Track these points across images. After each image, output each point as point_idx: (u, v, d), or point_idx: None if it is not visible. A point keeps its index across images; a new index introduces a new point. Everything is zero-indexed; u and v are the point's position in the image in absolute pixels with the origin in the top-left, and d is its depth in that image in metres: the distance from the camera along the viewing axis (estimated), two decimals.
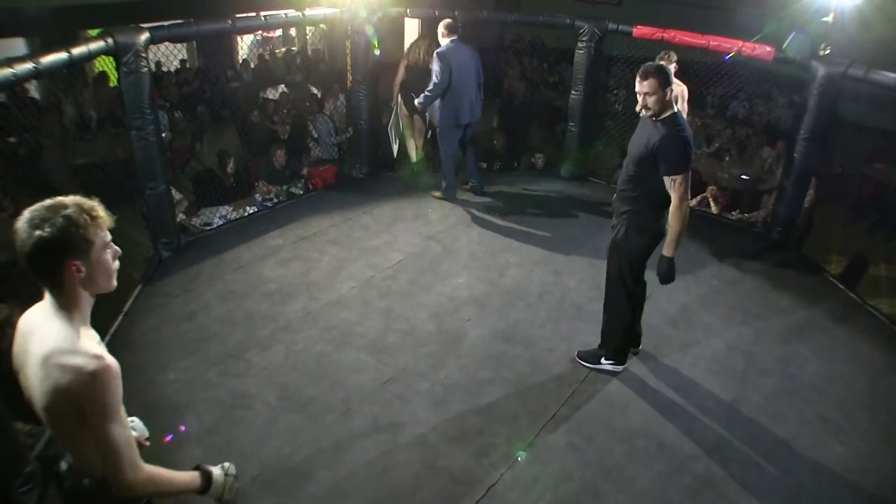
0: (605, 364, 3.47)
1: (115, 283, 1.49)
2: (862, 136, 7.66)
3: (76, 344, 1.39)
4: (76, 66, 3.57)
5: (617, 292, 3.30)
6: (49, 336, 1.39)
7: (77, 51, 3.42)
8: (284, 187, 5.81)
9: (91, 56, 3.64)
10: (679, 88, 4.93)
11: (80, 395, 1.36)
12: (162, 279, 4.19)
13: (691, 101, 5.47)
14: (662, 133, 2.89)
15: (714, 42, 5.04)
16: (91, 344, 1.42)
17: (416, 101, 5.24)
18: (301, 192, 5.79)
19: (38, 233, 1.33)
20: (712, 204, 5.87)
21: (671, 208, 2.93)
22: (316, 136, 6.87)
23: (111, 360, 1.40)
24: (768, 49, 4.80)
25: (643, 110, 2.98)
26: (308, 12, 5.00)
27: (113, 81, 6.82)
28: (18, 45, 8.17)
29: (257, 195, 5.51)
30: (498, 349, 3.65)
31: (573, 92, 5.86)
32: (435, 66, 4.98)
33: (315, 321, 3.81)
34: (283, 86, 9.56)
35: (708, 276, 4.58)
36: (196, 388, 3.23)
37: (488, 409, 3.19)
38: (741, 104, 9.11)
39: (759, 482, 2.86)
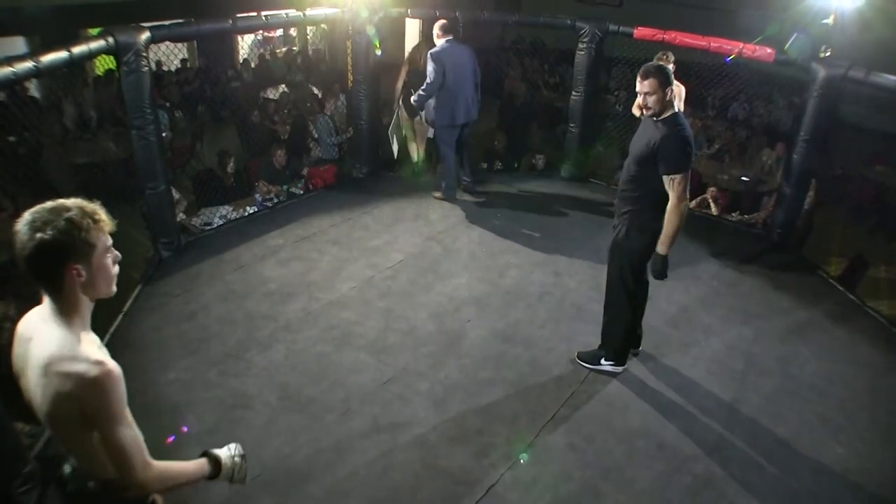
0: (605, 365, 3.47)
1: (114, 288, 1.48)
2: (862, 138, 7.66)
3: (77, 350, 1.37)
4: (76, 66, 3.57)
5: (618, 293, 3.30)
6: (49, 342, 1.38)
7: (77, 50, 3.42)
8: (284, 187, 5.80)
9: (91, 55, 3.64)
10: (677, 89, 4.93)
11: (83, 402, 1.35)
12: (162, 279, 4.18)
13: (692, 102, 5.48)
14: (663, 132, 2.89)
15: (715, 43, 5.04)
16: (92, 349, 1.40)
17: (411, 99, 5.26)
18: (301, 192, 5.79)
19: (39, 235, 1.30)
20: (712, 205, 5.87)
21: (668, 207, 2.94)
22: (316, 136, 6.87)
23: (113, 365, 1.38)
24: (769, 51, 4.80)
25: (644, 110, 2.98)
26: (309, 12, 5.00)
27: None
28: (19, 44, 8.17)
29: (257, 195, 5.51)
30: (498, 349, 3.65)
31: (574, 93, 5.86)
32: (429, 66, 5.00)
33: (315, 321, 3.81)
34: (283, 86, 9.56)
35: (708, 277, 4.58)
36: (196, 388, 3.23)
37: (488, 409, 3.19)
38: (741, 106, 9.11)
39: (759, 482, 2.86)
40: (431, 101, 5.19)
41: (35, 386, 1.39)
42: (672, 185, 2.89)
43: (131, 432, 1.43)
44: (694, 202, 5.97)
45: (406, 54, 6.24)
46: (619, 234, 3.17)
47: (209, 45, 10.83)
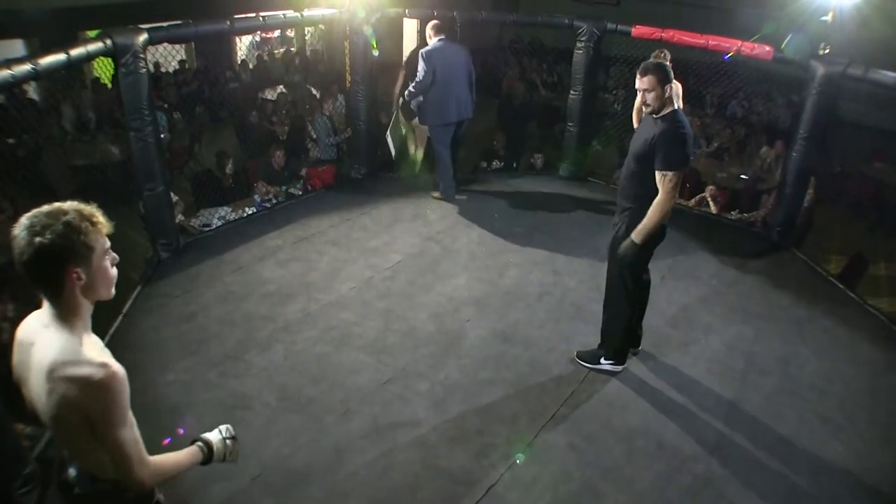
0: (605, 364, 3.47)
1: (114, 290, 1.48)
2: (861, 135, 7.66)
3: (81, 353, 1.37)
4: (75, 68, 3.56)
5: (617, 291, 3.30)
6: (52, 347, 1.37)
7: (75, 52, 3.42)
8: (283, 188, 5.80)
9: (90, 57, 3.64)
10: (675, 87, 4.94)
11: (89, 405, 1.35)
12: (161, 280, 4.18)
13: (690, 100, 5.48)
14: (662, 128, 2.90)
15: (713, 42, 5.04)
16: (96, 352, 1.40)
17: (404, 94, 5.29)
18: (300, 193, 5.79)
19: (38, 240, 1.30)
20: (711, 204, 5.86)
21: (655, 200, 2.93)
22: (314, 136, 6.86)
23: (118, 367, 1.38)
24: (767, 49, 4.80)
25: (643, 108, 2.99)
26: (306, 13, 5.00)
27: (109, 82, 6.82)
28: (17, 47, 8.17)
29: (256, 196, 5.51)
30: (497, 349, 3.65)
31: (572, 92, 5.86)
32: (419, 65, 5.05)
33: (314, 322, 3.81)
34: (281, 86, 9.56)
35: (707, 275, 4.58)
36: (195, 388, 3.23)
37: (488, 409, 3.19)
38: (740, 104, 9.11)
39: (759, 482, 2.86)
40: (425, 102, 5.22)
41: (39, 391, 1.39)
42: (663, 181, 2.89)
43: (132, 433, 1.43)
44: (693, 200, 5.97)
45: (404, 55, 6.25)
46: (618, 231, 3.17)
47: (207, 46, 10.82)
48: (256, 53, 12.10)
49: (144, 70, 3.91)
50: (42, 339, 1.40)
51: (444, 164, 5.37)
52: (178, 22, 4.38)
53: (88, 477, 1.53)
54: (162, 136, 4.86)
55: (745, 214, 5.82)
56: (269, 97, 8.73)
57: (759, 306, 4.24)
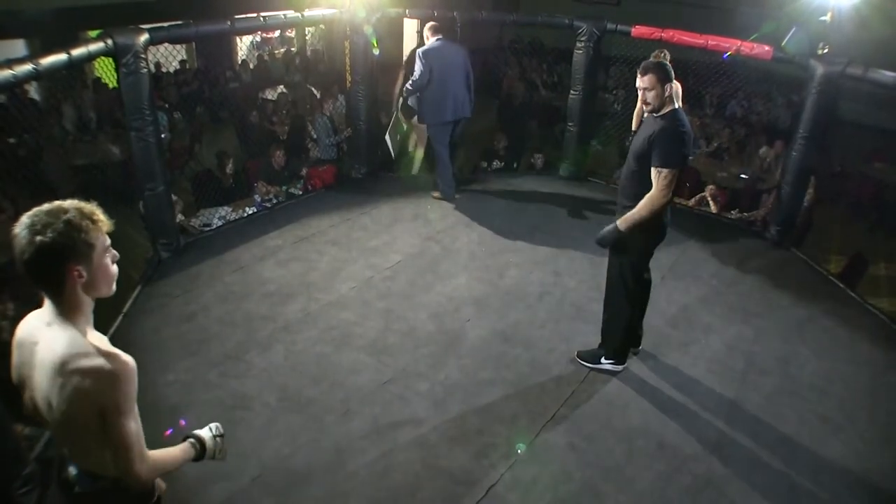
0: (605, 364, 3.47)
1: (114, 287, 1.49)
2: (861, 135, 7.66)
3: (89, 346, 1.39)
4: (76, 68, 3.57)
5: (617, 290, 3.30)
6: (58, 343, 1.38)
7: (76, 52, 3.42)
8: (283, 188, 5.81)
9: (91, 57, 3.64)
10: (675, 87, 4.94)
11: (102, 396, 1.37)
12: (161, 280, 4.19)
13: (690, 100, 5.48)
14: (660, 126, 2.91)
15: (712, 42, 5.04)
16: (103, 344, 1.42)
17: (403, 88, 5.31)
18: (300, 193, 5.79)
19: (39, 238, 1.31)
20: (711, 203, 5.86)
21: (648, 193, 2.93)
22: (315, 136, 6.87)
23: (127, 357, 1.41)
24: (767, 48, 4.80)
25: (643, 106, 3.00)
26: (307, 13, 5.00)
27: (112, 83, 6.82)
28: (18, 47, 8.17)
29: (256, 196, 5.51)
30: (498, 349, 3.65)
31: (572, 92, 5.87)
32: (417, 64, 5.09)
33: (314, 322, 3.81)
34: (281, 86, 9.57)
35: (707, 275, 4.58)
36: (196, 389, 3.23)
37: (488, 409, 3.19)
38: (739, 103, 9.11)
39: (760, 481, 2.86)
40: (422, 101, 5.24)
41: (48, 389, 1.39)
42: (658, 178, 2.90)
43: (137, 425, 1.45)
44: (693, 200, 5.98)
45: (405, 55, 6.26)
46: (625, 234, 3.17)
47: (208, 46, 10.84)
48: (257, 53, 12.11)
49: (145, 70, 3.91)
50: (46, 337, 1.41)
51: (444, 163, 5.38)
52: (179, 22, 4.38)
53: (89, 475, 1.54)
54: (162, 135, 4.86)
55: (745, 214, 5.82)
56: (270, 97, 8.74)
57: (759, 306, 4.24)
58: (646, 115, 3.08)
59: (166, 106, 7.83)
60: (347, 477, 2.76)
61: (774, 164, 6.56)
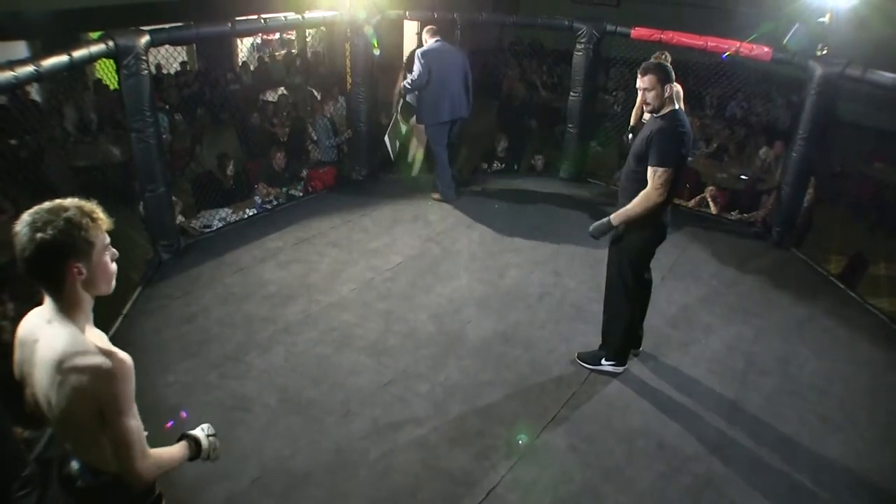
0: (606, 365, 3.47)
1: (113, 285, 1.51)
2: (861, 135, 7.66)
3: (87, 344, 1.40)
4: (77, 69, 3.57)
5: (617, 290, 3.30)
6: (57, 340, 1.40)
7: (78, 53, 3.43)
8: (284, 189, 5.81)
9: (92, 59, 3.65)
10: (675, 89, 4.95)
11: (100, 393, 1.38)
12: (162, 281, 4.19)
13: (689, 101, 5.48)
14: (659, 125, 2.93)
15: (712, 43, 5.05)
16: (101, 342, 1.44)
17: (401, 88, 5.33)
18: (300, 195, 5.79)
19: (39, 235, 1.33)
20: (711, 204, 5.87)
21: (644, 190, 2.94)
22: (315, 138, 6.87)
23: (124, 355, 1.42)
24: (766, 49, 4.81)
25: (643, 106, 3.02)
26: (308, 15, 5.01)
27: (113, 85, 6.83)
28: (20, 49, 8.19)
29: (257, 197, 5.51)
30: (498, 350, 3.65)
31: (572, 93, 5.87)
32: (415, 64, 5.13)
33: (315, 323, 3.81)
34: (282, 88, 9.58)
35: (707, 276, 4.58)
36: (196, 390, 3.23)
37: (488, 410, 3.19)
38: (739, 104, 9.12)
39: (760, 482, 2.86)
40: (420, 101, 5.25)
41: (48, 386, 1.41)
42: (653, 177, 2.91)
43: (137, 423, 1.47)
44: (693, 201, 5.98)
45: (405, 57, 6.26)
46: (618, 230, 3.18)
47: (208, 48, 10.85)
48: (257, 55, 12.12)
49: (146, 72, 3.92)
50: (46, 334, 1.43)
51: (442, 164, 5.39)
52: (180, 24, 4.40)
53: (91, 470, 1.55)
54: (163, 137, 4.87)
55: (745, 215, 5.82)
56: (270, 99, 8.74)
57: (759, 306, 4.24)
58: (646, 115, 3.10)
59: (167, 107, 7.84)
60: (347, 478, 2.76)
61: (774, 164, 6.56)
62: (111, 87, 7.77)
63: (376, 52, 5.42)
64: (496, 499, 2.70)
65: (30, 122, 6.47)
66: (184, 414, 2.92)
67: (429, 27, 5.27)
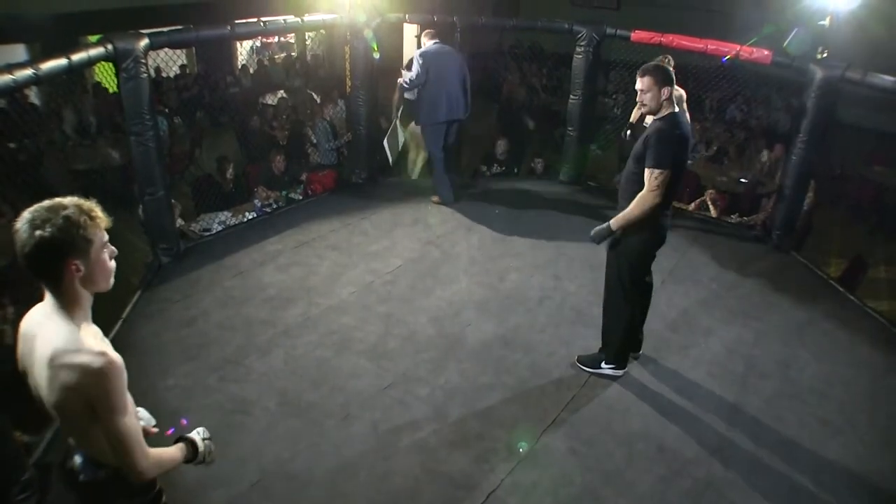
0: (606, 368, 3.47)
1: (112, 281, 1.53)
2: (861, 138, 7.67)
3: (80, 342, 1.42)
4: (76, 73, 3.58)
5: (616, 293, 3.30)
6: (53, 336, 1.43)
7: (77, 57, 3.43)
8: (284, 193, 5.81)
9: (91, 62, 3.65)
10: (677, 92, 4.95)
11: (88, 392, 1.40)
12: (161, 285, 4.19)
13: (689, 104, 5.48)
14: (657, 127, 2.94)
15: (712, 46, 5.05)
16: (95, 341, 1.46)
17: (399, 81, 5.34)
18: (300, 198, 5.79)
19: (39, 233, 1.36)
20: (711, 207, 5.87)
21: (640, 192, 2.94)
22: (315, 141, 6.87)
23: (115, 356, 1.44)
24: (766, 53, 4.81)
25: (641, 107, 3.02)
26: (307, 18, 5.02)
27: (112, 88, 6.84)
28: (19, 52, 8.19)
29: (256, 201, 5.51)
30: (498, 354, 3.64)
31: (572, 96, 5.88)
32: (414, 64, 5.15)
33: (314, 326, 3.81)
34: (282, 91, 9.58)
35: (707, 279, 4.58)
36: (196, 393, 3.22)
37: (488, 413, 3.19)
38: (739, 107, 9.13)
39: (760, 484, 2.85)
40: (417, 101, 5.26)
41: (42, 380, 1.45)
42: (650, 178, 2.91)
43: (133, 422, 1.48)
44: (693, 204, 5.98)
45: (404, 60, 6.27)
46: (618, 233, 3.18)
47: (208, 51, 10.85)
48: (257, 58, 12.13)
49: (145, 75, 3.92)
50: (44, 329, 1.46)
51: (439, 167, 5.40)
52: (179, 27, 4.40)
53: (93, 464, 1.58)
54: (163, 139, 4.87)
55: (745, 218, 5.82)
56: (270, 102, 8.74)
57: (759, 309, 4.24)
58: (648, 118, 3.11)
59: (166, 111, 7.83)
60: (347, 481, 2.76)
61: (774, 167, 6.57)
62: (110, 91, 7.78)
63: (376, 55, 5.42)
64: (496, 502, 2.69)
65: (29, 125, 6.46)
66: (184, 421, 2.90)
67: (428, 30, 5.29)
